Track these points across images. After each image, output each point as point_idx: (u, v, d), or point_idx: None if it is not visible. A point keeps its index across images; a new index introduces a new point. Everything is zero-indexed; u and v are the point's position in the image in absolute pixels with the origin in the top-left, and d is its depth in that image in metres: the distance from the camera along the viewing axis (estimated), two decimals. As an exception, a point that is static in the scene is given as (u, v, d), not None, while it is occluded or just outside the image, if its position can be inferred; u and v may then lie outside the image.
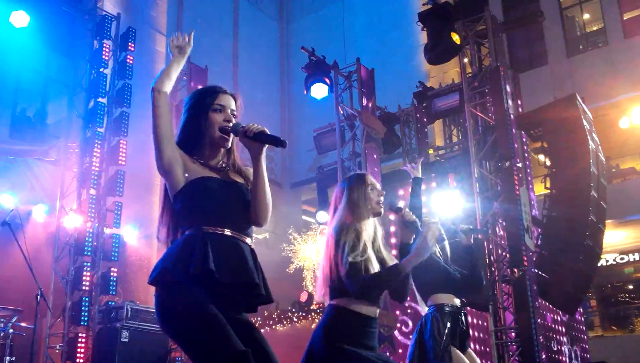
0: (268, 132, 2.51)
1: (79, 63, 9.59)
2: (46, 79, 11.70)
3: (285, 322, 10.88)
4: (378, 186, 3.04)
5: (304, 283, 18.09)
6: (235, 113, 2.62)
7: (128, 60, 9.06)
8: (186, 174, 2.47)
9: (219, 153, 2.60)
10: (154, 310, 2.42)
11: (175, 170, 2.47)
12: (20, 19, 8.76)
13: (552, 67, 16.68)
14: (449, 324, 3.99)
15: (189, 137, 2.57)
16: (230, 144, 2.61)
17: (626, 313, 16.73)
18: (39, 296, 5.66)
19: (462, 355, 4.00)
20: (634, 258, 17.05)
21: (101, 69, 8.92)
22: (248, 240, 2.53)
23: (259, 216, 2.54)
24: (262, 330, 11.48)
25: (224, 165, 2.60)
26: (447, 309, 4.06)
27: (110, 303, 7.57)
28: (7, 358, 5.60)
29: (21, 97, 11.96)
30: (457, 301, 4.14)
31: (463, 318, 4.12)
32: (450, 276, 4.12)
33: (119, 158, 8.53)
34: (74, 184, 8.74)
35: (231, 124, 2.55)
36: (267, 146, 2.55)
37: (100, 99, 8.80)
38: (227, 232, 2.42)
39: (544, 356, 7.20)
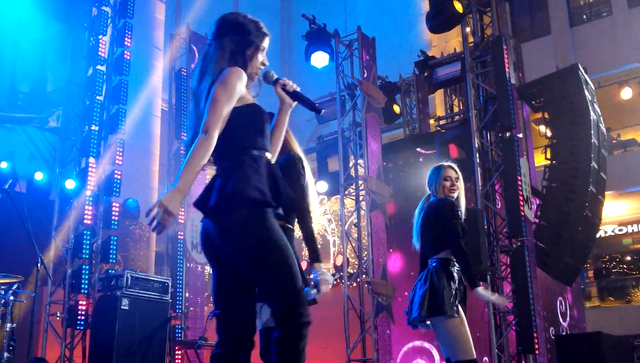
0: (302, 95, 2.65)
1: (78, 30, 9.49)
2: (44, 47, 11.60)
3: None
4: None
5: (304, 253, 18.21)
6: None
7: (127, 27, 8.96)
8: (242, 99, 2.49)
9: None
10: (213, 238, 2.46)
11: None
12: (17, -15, 8.65)
13: (554, 36, 16.54)
14: (457, 280, 4.05)
15: (242, 61, 2.54)
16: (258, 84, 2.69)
17: (623, 284, 16.87)
18: (39, 264, 5.68)
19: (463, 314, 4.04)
20: (633, 230, 17.13)
21: (100, 36, 8.83)
22: None
23: (274, 151, 2.71)
24: (332, 281, 11.53)
25: None
26: (455, 267, 4.10)
27: (110, 271, 7.61)
28: (8, 325, 5.65)
29: (20, 65, 11.87)
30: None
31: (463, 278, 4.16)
32: (458, 235, 4.15)
33: (119, 126, 8.50)
34: (73, 152, 8.72)
35: (263, 67, 2.61)
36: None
37: (99, 67, 8.72)
38: (269, 156, 2.55)
39: (541, 326, 7.27)
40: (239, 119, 2.44)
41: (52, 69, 11.70)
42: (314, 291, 3.01)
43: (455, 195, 4.23)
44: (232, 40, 2.53)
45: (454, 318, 3.95)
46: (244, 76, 2.46)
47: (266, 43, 2.59)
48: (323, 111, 2.68)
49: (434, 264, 4.11)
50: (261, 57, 2.58)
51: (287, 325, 2.36)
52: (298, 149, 3.40)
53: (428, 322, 4.08)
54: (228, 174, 2.40)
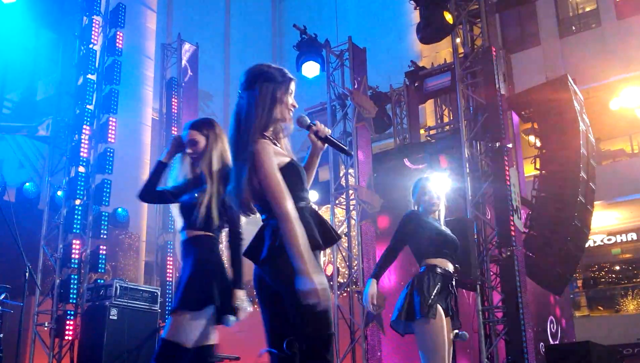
0: (333, 139, 2.86)
1: (69, 39, 9.48)
2: (35, 56, 11.57)
3: (274, 301, 10.92)
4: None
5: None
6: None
7: (118, 36, 8.96)
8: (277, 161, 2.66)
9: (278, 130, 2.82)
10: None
11: None
12: (8, -6, 8.62)
13: (544, 47, 16.67)
14: (439, 284, 4.09)
15: (268, 114, 2.70)
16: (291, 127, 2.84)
17: (612, 293, 16.93)
18: (27, 274, 5.64)
19: (443, 316, 4.05)
20: (622, 239, 17.22)
21: (90, 45, 8.83)
22: None
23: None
24: (250, 309, 11.57)
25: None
26: (439, 270, 4.14)
27: (99, 280, 7.56)
28: (-4, 335, 5.61)
29: (10, 74, 11.83)
30: (450, 267, 4.20)
31: (454, 284, 4.19)
32: (447, 240, 4.24)
33: (109, 135, 8.47)
34: (63, 162, 8.69)
35: (294, 109, 2.78)
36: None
37: (89, 76, 8.71)
38: (309, 205, 2.73)
39: (530, 335, 7.28)
40: (285, 176, 2.61)
41: (43, 78, 11.66)
42: (233, 318, 3.29)
43: (435, 208, 4.34)
44: (262, 87, 2.68)
45: (430, 320, 3.98)
46: (269, 145, 2.62)
47: (293, 87, 2.76)
48: (351, 153, 2.85)
49: (422, 270, 4.20)
50: (290, 99, 2.74)
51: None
52: None
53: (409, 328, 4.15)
54: (274, 227, 2.57)
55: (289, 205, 2.51)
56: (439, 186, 4.45)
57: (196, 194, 3.38)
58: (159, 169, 3.55)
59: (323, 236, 2.62)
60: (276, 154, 2.64)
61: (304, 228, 2.51)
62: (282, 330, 2.61)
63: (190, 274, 3.31)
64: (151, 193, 3.59)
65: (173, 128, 9.57)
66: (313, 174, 2.95)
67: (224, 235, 3.51)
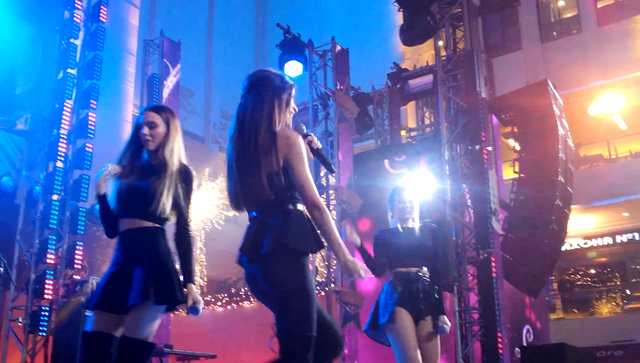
0: (322, 152, 2.98)
1: (49, 34, 9.37)
2: (14, 50, 11.42)
3: (252, 299, 10.90)
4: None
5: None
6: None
7: (99, 31, 8.89)
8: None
9: None
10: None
11: None
12: (-12, -13, 8.52)
13: (525, 52, 16.81)
14: (399, 288, 4.14)
15: (278, 115, 2.81)
16: None
17: (588, 296, 17.13)
18: (2, 269, 5.59)
19: (407, 318, 4.08)
20: (598, 243, 17.43)
21: (71, 40, 8.74)
22: None
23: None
24: (229, 307, 11.60)
25: None
26: (401, 276, 4.21)
27: (75, 277, 7.49)
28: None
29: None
30: (417, 270, 4.24)
31: (420, 287, 4.20)
32: (414, 247, 4.29)
33: (88, 130, 8.40)
34: (41, 156, 8.59)
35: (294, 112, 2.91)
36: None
37: (69, 70, 8.62)
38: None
39: (505, 336, 7.35)
40: (286, 176, 2.69)
41: (22, 72, 11.52)
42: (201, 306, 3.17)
43: (408, 216, 4.39)
44: (266, 91, 2.82)
45: (390, 324, 4.07)
46: (299, 136, 2.75)
47: (294, 91, 2.88)
48: (334, 171, 2.94)
49: (388, 281, 4.33)
50: (292, 104, 2.87)
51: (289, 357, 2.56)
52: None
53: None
54: (275, 226, 2.66)
55: (321, 201, 2.68)
56: (414, 193, 4.51)
57: (154, 184, 3.14)
58: (103, 203, 3.22)
59: (316, 241, 2.70)
60: None
61: (294, 230, 2.64)
62: None
63: (156, 266, 3.06)
64: (115, 225, 3.23)
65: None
66: None
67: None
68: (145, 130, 3.22)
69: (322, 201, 2.68)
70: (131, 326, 2.98)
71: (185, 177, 3.27)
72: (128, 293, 2.99)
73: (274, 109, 2.78)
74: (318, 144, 2.93)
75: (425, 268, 4.29)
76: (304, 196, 2.67)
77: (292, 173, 2.67)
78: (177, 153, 3.28)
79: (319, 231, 2.70)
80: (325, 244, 2.73)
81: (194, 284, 3.16)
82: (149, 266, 3.04)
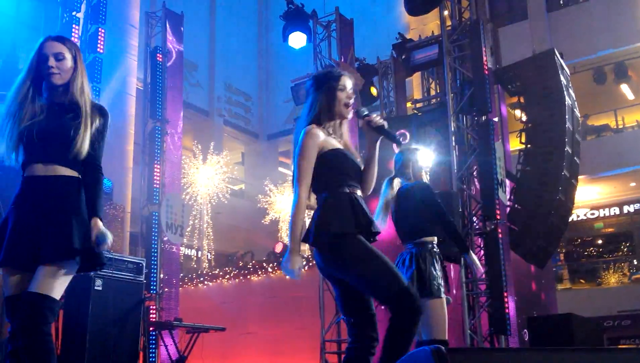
0: (386, 127, 3.07)
1: (51, 6, 9.29)
2: (16, 23, 11.34)
3: (260, 272, 10.95)
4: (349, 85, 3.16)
5: (279, 234, 18.21)
6: (352, 91, 3.14)
7: (101, 4, 8.80)
8: (322, 148, 3.00)
9: (335, 125, 3.14)
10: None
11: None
12: (-13, -41, 8.42)
13: (532, 21, 16.61)
14: (439, 262, 4.13)
15: (322, 110, 3.08)
16: (349, 117, 3.14)
17: (594, 266, 17.18)
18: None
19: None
20: (604, 214, 17.42)
21: (74, 13, 8.66)
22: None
23: (368, 187, 3.13)
24: (237, 280, 11.66)
25: (338, 135, 3.14)
26: (436, 249, 4.18)
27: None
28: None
29: (-9, 42, 11.57)
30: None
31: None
32: (444, 218, 4.24)
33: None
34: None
35: (352, 102, 3.09)
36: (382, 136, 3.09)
37: (72, 44, 8.56)
38: (358, 192, 3.01)
39: (513, 307, 7.37)
40: (324, 163, 2.97)
41: (24, 47, 11.44)
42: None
43: (427, 178, 4.34)
44: (320, 89, 3.09)
45: (439, 299, 4.04)
46: (316, 132, 3.00)
47: (342, 81, 3.08)
48: (402, 143, 3.14)
49: (418, 247, 4.17)
50: (343, 95, 3.06)
51: (402, 318, 2.75)
52: None
53: None
54: (317, 211, 2.96)
55: (303, 189, 2.93)
56: (426, 156, 4.44)
57: (69, 125, 2.85)
58: None
59: (359, 223, 2.87)
60: (325, 140, 3.00)
61: (329, 213, 2.90)
62: (349, 302, 2.94)
63: (69, 221, 2.78)
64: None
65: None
66: (372, 163, 3.10)
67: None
68: (52, 61, 2.89)
69: (302, 194, 2.93)
70: (35, 282, 2.73)
71: (101, 117, 3.01)
72: (37, 250, 2.74)
73: (309, 108, 3.09)
74: (378, 121, 3.04)
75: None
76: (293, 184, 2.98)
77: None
78: (87, 91, 2.99)
79: (362, 213, 2.91)
80: (373, 224, 2.94)
81: (100, 219, 2.89)
82: (62, 221, 2.78)
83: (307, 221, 3.00)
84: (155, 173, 9.12)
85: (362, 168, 3.10)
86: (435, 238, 4.25)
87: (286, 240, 17.03)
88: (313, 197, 3.02)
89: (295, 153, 3.02)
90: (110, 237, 2.84)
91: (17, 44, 11.58)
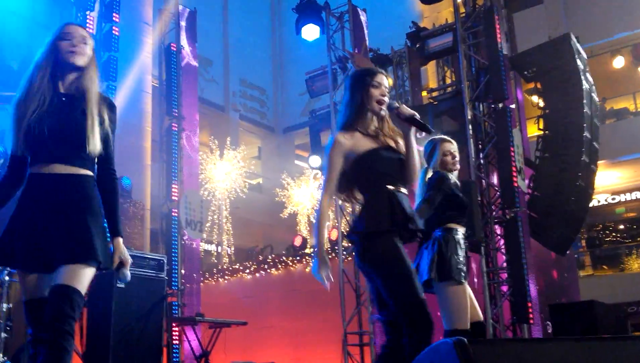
0: (417, 117, 3.09)
1: (65, 6, 9.35)
2: (31, 25, 11.43)
3: (279, 266, 10.98)
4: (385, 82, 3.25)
5: (298, 227, 18.24)
6: (387, 89, 3.22)
7: (115, 2, 8.84)
8: (353, 153, 3.11)
9: (374, 121, 3.20)
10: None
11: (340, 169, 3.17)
12: (1, -39, 8.49)
13: (547, 5, 16.39)
14: (464, 248, 4.12)
15: (354, 109, 3.18)
16: (384, 113, 3.18)
17: (616, 252, 17.00)
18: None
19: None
20: (625, 198, 17.24)
21: (87, 12, 8.70)
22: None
23: (412, 177, 3.17)
24: (257, 274, 11.71)
25: (379, 130, 3.19)
26: (460, 235, 4.16)
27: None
28: (5, 305, 5.65)
29: (8, 44, 11.69)
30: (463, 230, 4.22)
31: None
32: (463, 203, 4.22)
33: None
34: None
35: (386, 99, 3.15)
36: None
37: (87, 44, 8.61)
38: (402, 189, 3.09)
39: (534, 295, 7.32)
40: (360, 166, 3.09)
41: (40, 47, 11.54)
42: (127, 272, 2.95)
43: (457, 168, 4.30)
44: (354, 86, 3.20)
45: (460, 285, 4.01)
46: (340, 141, 3.12)
47: (379, 78, 3.17)
48: (432, 131, 3.13)
49: (441, 233, 4.15)
50: (377, 91, 3.14)
51: (414, 332, 2.78)
52: None
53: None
54: (359, 212, 3.09)
55: (326, 197, 3.10)
56: (454, 143, 4.39)
57: (81, 119, 2.70)
58: None
59: (395, 221, 2.95)
60: (355, 144, 3.11)
61: (367, 213, 3.00)
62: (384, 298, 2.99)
63: (84, 222, 2.67)
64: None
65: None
66: (410, 153, 3.14)
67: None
68: (77, 40, 2.78)
69: (325, 204, 3.10)
70: (61, 275, 2.61)
71: (111, 110, 2.87)
72: (53, 253, 2.62)
73: (344, 108, 3.23)
74: (408, 112, 3.08)
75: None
76: None
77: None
78: (97, 82, 2.85)
79: (400, 210, 2.97)
80: (411, 220, 3.01)
81: (122, 237, 2.87)
82: (82, 223, 2.67)
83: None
84: (173, 170, 9.17)
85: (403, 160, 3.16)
86: (461, 227, 4.23)
87: (304, 232, 17.06)
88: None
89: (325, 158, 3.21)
90: (129, 260, 2.91)
91: (33, 45, 11.68)
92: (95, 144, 2.72)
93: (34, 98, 2.72)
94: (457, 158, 4.32)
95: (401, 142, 3.17)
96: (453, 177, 4.32)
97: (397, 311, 2.85)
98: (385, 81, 3.18)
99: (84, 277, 2.63)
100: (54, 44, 2.80)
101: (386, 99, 3.15)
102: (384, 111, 3.16)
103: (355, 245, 3.05)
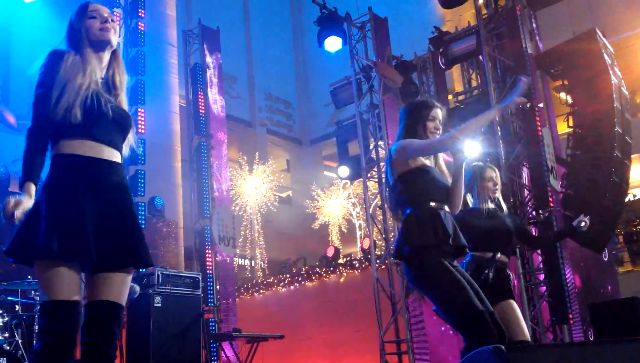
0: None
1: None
2: (51, 34, 11.67)
3: (313, 278, 10.99)
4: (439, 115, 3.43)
5: (330, 238, 18.25)
6: (441, 122, 3.42)
7: (139, 27, 9.00)
8: (408, 164, 3.27)
9: None
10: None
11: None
12: (29, -7, 8.71)
13: (570, 1, 16.21)
14: (469, 272, 4.06)
15: (416, 131, 3.37)
16: None
17: (655, 246, 16.61)
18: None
19: None
20: (662, 191, 16.85)
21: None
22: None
23: (454, 206, 3.29)
24: (291, 287, 11.73)
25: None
26: (476, 260, 4.09)
27: (141, 270, 7.69)
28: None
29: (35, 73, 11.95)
30: (489, 254, 4.11)
31: (492, 274, 4.10)
32: (497, 232, 4.18)
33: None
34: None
35: (439, 132, 3.36)
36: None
37: (114, 69, 8.76)
38: (445, 208, 3.21)
39: (573, 295, 7.21)
40: (410, 178, 3.23)
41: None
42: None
43: (497, 195, 4.24)
44: (411, 116, 3.41)
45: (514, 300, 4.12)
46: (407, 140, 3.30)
47: (434, 113, 3.38)
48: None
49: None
50: (432, 124, 3.35)
51: (471, 345, 2.82)
52: None
53: None
54: (401, 225, 3.21)
55: (425, 142, 3.30)
56: (496, 170, 4.34)
57: (121, 103, 2.64)
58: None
59: (438, 237, 3.05)
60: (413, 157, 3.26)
61: (411, 229, 3.13)
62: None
63: (133, 221, 2.47)
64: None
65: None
66: (458, 183, 3.28)
67: None
68: (108, 17, 2.60)
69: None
70: (111, 288, 2.40)
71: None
72: (107, 251, 2.35)
73: (417, 130, 3.35)
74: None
75: (501, 254, 4.12)
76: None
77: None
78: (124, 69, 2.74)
79: (441, 226, 3.08)
80: (459, 237, 3.16)
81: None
82: (135, 223, 2.47)
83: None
84: (204, 187, 9.27)
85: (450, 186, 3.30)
86: (479, 253, 4.15)
87: (336, 242, 17.07)
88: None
89: (393, 162, 3.32)
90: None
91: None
92: (130, 140, 2.64)
93: (77, 72, 2.48)
94: (499, 185, 4.27)
95: (445, 171, 3.37)
96: (491, 204, 4.23)
97: (454, 327, 3.00)
98: (440, 114, 3.39)
99: (128, 288, 2.47)
100: (83, 22, 2.59)
101: (439, 132, 3.35)
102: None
103: (404, 261, 3.15)
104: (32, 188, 2.36)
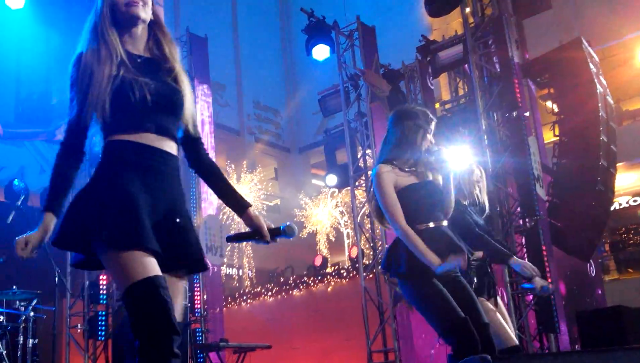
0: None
1: (79, 41, 9.49)
2: (47, 60, 11.64)
3: (301, 287, 10.96)
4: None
5: (318, 247, 18.22)
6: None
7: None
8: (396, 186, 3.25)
9: (412, 159, 3.34)
10: None
11: None
12: (15, 0, 8.65)
13: (556, 10, 16.33)
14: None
15: (404, 148, 3.31)
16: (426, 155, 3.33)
17: (641, 255, 16.73)
18: (56, 278, 5.71)
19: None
20: (648, 200, 16.98)
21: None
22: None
23: (448, 209, 3.27)
24: (279, 296, 11.69)
25: (414, 167, 3.34)
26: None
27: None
28: (30, 340, 5.70)
29: (24, 81, 11.90)
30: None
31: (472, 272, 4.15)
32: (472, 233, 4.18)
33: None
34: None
35: (435, 148, 3.31)
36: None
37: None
38: (432, 224, 3.18)
39: (560, 303, 7.23)
40: (400, 200, 3.20)
41: (56, 82, 11.73)
42: None
43: (484, 198, 4.30)
44: (406, 125, 3.29)
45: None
46: (384, 170, 3.23)
47: (433, 126, 3.32)
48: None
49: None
50: (429, 137, 3.30)
51: (461, 354, 2.82)
52: None
53: None
54: (397, 245, 3.22)
55: (401, 220, 3.13)
56: (481, 170, 4.39)
57: (175, 87, 2.34)
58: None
59: (443, 253, 3.07)
60: (398, 177, 3.23)
61: (406, 250, 3.12)
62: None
63: (189, 219, 2.34)
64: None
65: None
66: (447, 190, 3.27)
67: None
68: (135, 7, 2.33)
69: (405, 227, 3.14)
70: (178, 291, 2.30)
71: (188, 78, 2.45)
72: (180, 248, 2.20)
73: (386, 141, 3.38)
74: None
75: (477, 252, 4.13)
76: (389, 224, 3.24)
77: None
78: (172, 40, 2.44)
79: (446, 246, 3.11)
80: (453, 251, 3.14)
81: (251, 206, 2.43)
82: (191, 222, 2.32)
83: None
84: (191, 196, 9.22)
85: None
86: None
87: (324, 251, 17.03)
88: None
89: (375, 193, 3.31)
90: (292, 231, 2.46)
91: (50, 80, 11.88)
92: (190, 119, 2.36)
93: (106, 58, 2.27)
94: (482, 184, 4.34)
95: (434, 175, 3.33)
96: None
97: (441, 336, 3.06)
98: (433, 126, 3.35)
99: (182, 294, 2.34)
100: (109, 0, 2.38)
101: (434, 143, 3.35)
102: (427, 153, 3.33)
103: (398, 278, 3.25)
104: (51, 220, 2.23)
